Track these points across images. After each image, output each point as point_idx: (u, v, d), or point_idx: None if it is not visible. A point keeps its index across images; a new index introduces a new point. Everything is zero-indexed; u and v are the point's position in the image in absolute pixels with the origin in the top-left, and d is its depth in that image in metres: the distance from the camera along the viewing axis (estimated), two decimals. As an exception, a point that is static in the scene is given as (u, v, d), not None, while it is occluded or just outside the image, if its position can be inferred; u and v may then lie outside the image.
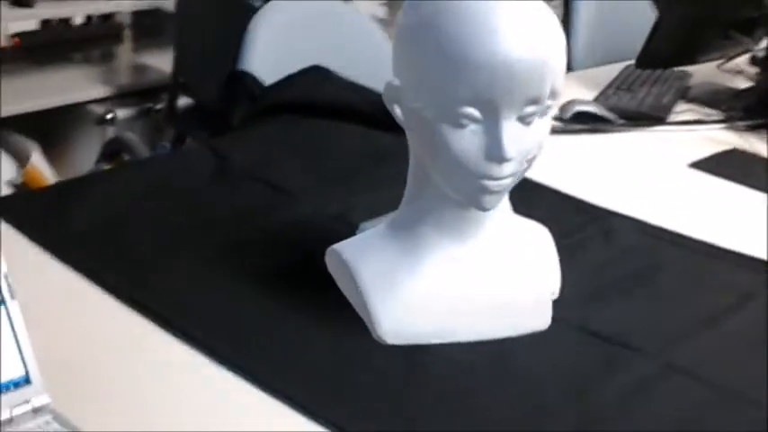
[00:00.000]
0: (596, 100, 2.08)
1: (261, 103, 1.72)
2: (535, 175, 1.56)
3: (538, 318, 1.16)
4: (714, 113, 2.09)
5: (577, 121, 1.93)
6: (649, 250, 1.38)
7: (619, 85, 2.18)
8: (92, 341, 1.06)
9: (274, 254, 1.26)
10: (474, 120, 0.98)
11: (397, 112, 1.05)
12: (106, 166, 2.53)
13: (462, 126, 0.98)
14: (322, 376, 1.04)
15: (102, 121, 2.82)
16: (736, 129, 2.03)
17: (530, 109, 0.99)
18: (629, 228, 1.45)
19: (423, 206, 1.11)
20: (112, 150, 2.55)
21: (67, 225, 1.29)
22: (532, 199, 1.49)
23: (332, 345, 1.10)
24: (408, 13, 1.03)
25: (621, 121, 1.98)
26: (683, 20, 2.16)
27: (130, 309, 1.12)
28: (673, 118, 2.05)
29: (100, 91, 2.85)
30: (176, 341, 1.07)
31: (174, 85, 2.82)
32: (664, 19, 2.15)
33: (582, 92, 2.15)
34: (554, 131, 1.86)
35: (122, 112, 2.87)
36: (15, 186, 2.67)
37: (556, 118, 1.94)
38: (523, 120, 0.99)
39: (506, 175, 1.00)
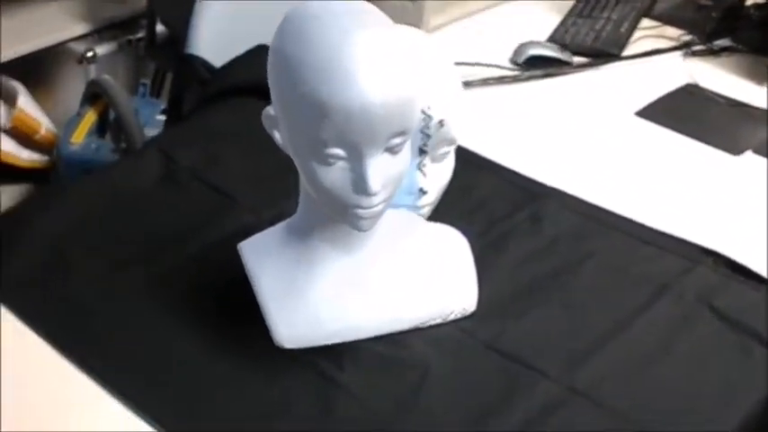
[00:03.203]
0: (554, 34, 2.06)
1: (210, 88, 1.72)
2: (478, 144, 1.59)
3: (435, 318, 1.23)
4: (675, 37, 2.08)
5: (532, 65, 1.93)
6: (575, 240, 1.40)
7: (580, 11, 2.15)
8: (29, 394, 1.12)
9: (207, 281, 1.29)
10: (340, 158, 1.00)
11: (277, 137, 1.08)
12: (90, 110, 2.55)
13: (330, 164, 1.01)
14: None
15: (82, 59, 2.81)
16: (696, 54, 2.02)
17: (396, 140, 1.01)
18: (560, 210, 1.47)
19: (311, 218, 1.16)
20: (93, 93, 2.56)
21: (8, 264, 1.30)
22: (472, 178, 1.52)
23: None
24: (274, 47, 1.03)
25: (576, 61, 1.98)
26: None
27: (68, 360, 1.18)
28: (631, 47, 2.04)
29: (79, 28, 2.83)
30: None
31: (150, 15, 2.79)
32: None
33: (547, 19, 2.13)
34: (504, 81, 1.89)
35: (103, 48, 2.86)
36: (5, 132, 2.70)
37: (511, 64, 1.94)
38: (391, 150, 1.01)
39: (376, 203, 1.04)
